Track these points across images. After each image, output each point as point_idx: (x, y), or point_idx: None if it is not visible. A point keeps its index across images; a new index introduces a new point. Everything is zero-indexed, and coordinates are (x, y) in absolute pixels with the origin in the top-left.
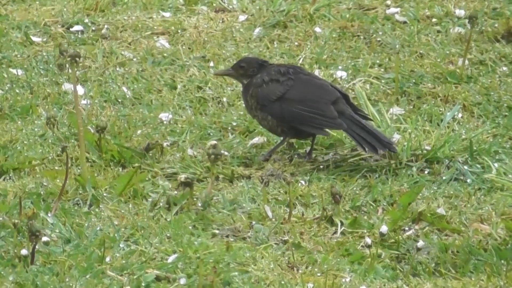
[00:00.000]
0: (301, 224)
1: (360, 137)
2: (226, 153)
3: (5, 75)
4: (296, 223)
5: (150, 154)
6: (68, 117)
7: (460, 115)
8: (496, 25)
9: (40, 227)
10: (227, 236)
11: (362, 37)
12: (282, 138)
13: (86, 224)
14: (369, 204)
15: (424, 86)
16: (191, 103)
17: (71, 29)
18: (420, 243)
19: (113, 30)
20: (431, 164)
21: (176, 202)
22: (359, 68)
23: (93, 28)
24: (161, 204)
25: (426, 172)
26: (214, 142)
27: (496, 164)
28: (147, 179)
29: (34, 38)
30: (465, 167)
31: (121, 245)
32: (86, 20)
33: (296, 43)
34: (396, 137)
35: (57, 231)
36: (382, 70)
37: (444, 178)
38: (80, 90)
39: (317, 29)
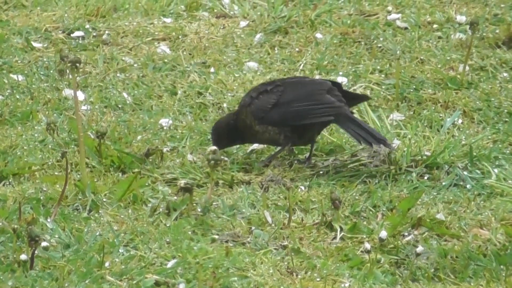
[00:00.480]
0: (301, 229)
1: (355, 132)
2: (226, 158)
3: (6, 81)
4: (296, 229)
5: (150, 160)
6: (68, 122)
7: (460, 121)
8: (497, 31)
9: (39, 232)
10: (226, 241)
11: (363, 43)
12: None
13: (85, 229)
14: (368, 209)
15: (425, 92)
16: (191, 108)
17: (72, 35)
18: (420, 249)
19: (114, 35)
20: (431, 169)
21: (175, 208)
22: (359, 74)
23: (94, 34)
24: (160, 210)
25: (425, 177)
26: (214, 147)
27: (496, 170)
28: (146, 184)
29: (35, 44)
30: (465, 172)
31: (120, 250)
32: (87, 26)
33: (297, 49)
34: (396, 142)
35: (56, 236)
36: (383, 76)
37: (443, 183)
38: (81, 95)
39: (318, 35)
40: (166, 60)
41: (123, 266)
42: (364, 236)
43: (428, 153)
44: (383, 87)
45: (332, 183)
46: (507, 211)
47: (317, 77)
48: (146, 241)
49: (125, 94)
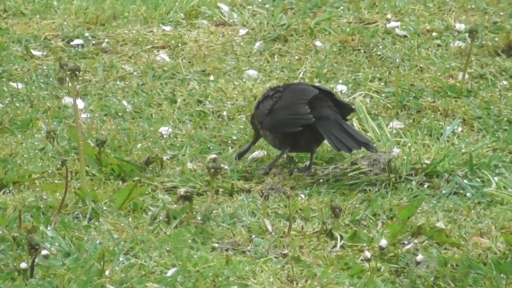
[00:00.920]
0: (301, 237)
1: (335, 137)
2: (226, 167)
3: (5, 89)
4: (296, 237)
5: (150, 168)
6: (68, 131)
7: (460, 129)
8: (496, 39)
9: (39, 240)
10: (226, 250)
11: (362, 51)
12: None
13: (85, 238)
14: (368, 218)
15: (424, 100)
16: (191, 117)
17: (71, 43)
18: (420, 257)
19: (114, 44)
20: (431, 178)
21: (175, 216)
22: (359, 82)
23: (94, 42)
24: (160, 218)
25: (425, 186)
26: (214, 156)
27: (496, 178)
28: (147, 192)
29: (35, 52)
30: (465, 181)
31: (120, 259)
32: (87, 34)
33: (296, 57)
34: (395, 150)
35: (56, 244)
36: (382, 84)
37: (443, 192)
38: (80, 104)
39: (318, 43)
40: (165, 68)
41: (123, 275)
42: (364, 245)
43: (428, 161)
44: (382, 95)
45: (332, 191)
46: (507, 219)
47: (316, 84)
48: (146, 249)
49: (125, 102)
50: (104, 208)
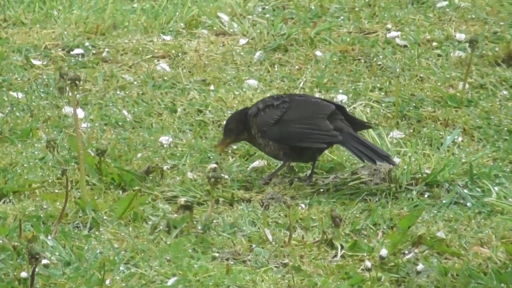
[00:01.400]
0: (301, 247)
1: (358, 150)
2: (226, 176)
3: (6, 98)
4: (296, 246)
5: (150, 177)
6: (68, 140)
7: (460, 138)
8: (496, 49)
9: (40, 250)
10: (227, 259)
11: (362, 60)
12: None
13: (86, 247)
14: (369, 227)
15: (424, 110)
16: (191, 126)
17: (71, 52)
18: (420, 267)
19: (114, 53)
20: (431, 187)
21: (176, 225)
22: (359, 92)
23: (94, 51)
24: (161, 227)
25: (426, 195)
26: (214, 165)
27: (496, 188)
28: (147, 202)
29: (35, 61)
30: (465, 190)
31: (121, 268)
32: (87, 43)
33: (296, 67)
34: (396, 160)
35: (57, 254)
36: (383, 93)
37: (444, 201)
38: (81, 113)
39: (318, 53)
40: (165, 78)
41: (123, 284)
42: (365, 254)
43: (428, 171)
44: (383, 104)
45: (333, 201)
46: (507, 229)
47: (317, 95)
48: (147, 259)
49: (125, 112)
50: (105, 217)
